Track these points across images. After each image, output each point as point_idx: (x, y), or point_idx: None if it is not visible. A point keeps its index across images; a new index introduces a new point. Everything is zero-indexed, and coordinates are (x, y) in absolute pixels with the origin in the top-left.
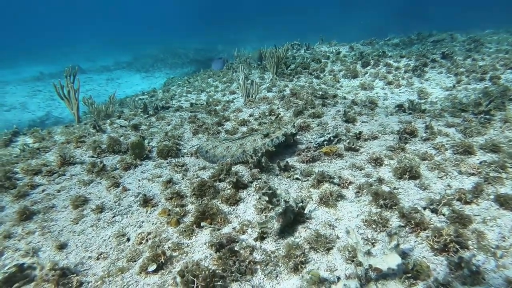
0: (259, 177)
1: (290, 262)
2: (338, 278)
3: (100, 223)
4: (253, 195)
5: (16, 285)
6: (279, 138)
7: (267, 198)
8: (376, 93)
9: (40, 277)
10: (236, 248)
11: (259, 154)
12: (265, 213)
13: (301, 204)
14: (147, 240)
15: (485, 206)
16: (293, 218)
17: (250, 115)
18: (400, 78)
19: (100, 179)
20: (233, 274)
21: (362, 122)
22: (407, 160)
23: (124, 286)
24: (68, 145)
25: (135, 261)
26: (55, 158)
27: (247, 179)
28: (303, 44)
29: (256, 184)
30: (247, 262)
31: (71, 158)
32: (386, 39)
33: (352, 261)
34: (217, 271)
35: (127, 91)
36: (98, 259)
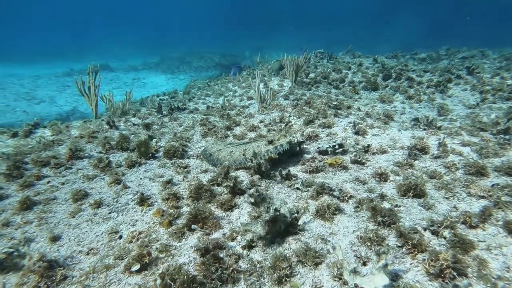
0: (259, 184)
1: (275, 274)
2: None
3: (95, 218)
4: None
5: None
6: (283, 146)
7: (252, 200)
8: (394, 106)
9: (27, 267)
10: (220, 255)
11: (261, 159)
12: (258, 220)
13: (295, 215)
14: (137, 239)
15: (492, 232)
16: (285, 228)
17: (261, 121)
18: (421, 93)
19: (104, 175)
20: (213, 282)
21: (373, 135)
22: (413, 177)
23: (106, 283)
24: (80, 140)
25: (122, 259)
26: (65, 151)
27: (245, 185)
28: (326, 54)
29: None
30: (230, 270)
31: (80, 152)
32: (412, 53)
33: (340, 278)
34: (198, 277)
35: (151, 91)
36: (88, 254)
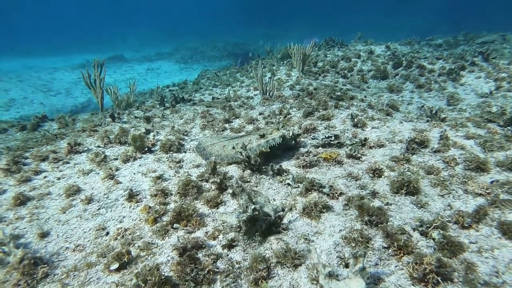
0: (249, 179)
1: (251, 276)
2: None
3: (85, 214)
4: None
5: None
6: (275, 140)
7: (230, 191)
8: (402, 96)
9: (11, 265)
10: (197, 255)
11: (252, 154)
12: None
13: (280, 213)
14: (122, 236)
15: (486, 233)
16: (267, 227)
17: (260, 114)
18: (432, 82)
19: (99, 170)
20: (187, 283)
21: (373, 127)
22: (409, 173)
23: (85, 282)
24: (82, 133)
25: (104, 257)
26: (64, 146)
27: (234, 181)
28: (338, 42)
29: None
30: (206, 271)
31: (78, 147)
32: (428, 38)
33: (318, 281)
34: (172, 278)
35: (165, 81)
36: (74, 250)
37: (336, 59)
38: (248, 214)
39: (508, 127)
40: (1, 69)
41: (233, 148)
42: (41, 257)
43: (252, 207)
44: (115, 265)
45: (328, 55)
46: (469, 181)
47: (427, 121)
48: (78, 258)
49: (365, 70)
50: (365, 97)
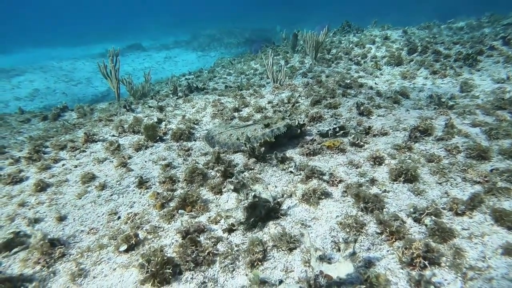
0: (252, 167)
1: (248, 258)
2: (280, 281)
3: (99, 200)
4: None
5: (15, 249)
6: (280, 129)
7: (232, 187)
8: (413, 83)
9: (33, 245)
10: (199, 238)
11: (256, 143)
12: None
13: (279, 199)
14: (132, 221)
15: (479, 220)
16: (266, 213)
17: (269, 102)
18: (447, 68)
19: (113, 158)
20: (188, 263)
21: (378, 116)
22: (409, 161)
23: (97, 261)
24: (99, 123)
25: (115, 239)
26: (81, 135)
27: (239, 169)
28: (354, 27)
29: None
30: (206, 253)
31: (94, 136)
32: (449, 21)
33: (310, 264)
34: (175, 259)
35: (183, 69)
36: (88, 233)
37: (350, 45)
38: (249, 201)
39: None
40: (26, 60)
41: (238, 139)
42: (58, 239)
43: (252, 194)
44: (123, 247)
45: (342, 41)
46: (468, 169)
47: (435, 108)
48: (92, 240)
49: (379, 57)
50: (376, 84)
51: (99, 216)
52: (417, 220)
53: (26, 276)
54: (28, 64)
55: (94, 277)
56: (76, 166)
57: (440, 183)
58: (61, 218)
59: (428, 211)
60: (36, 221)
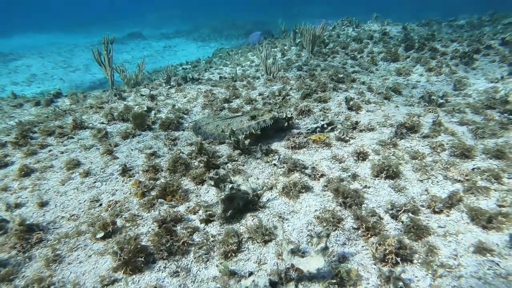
0: (236, 159)
1: (222, 249)
2: (250, 273)
3: (82, 187)
4: None
5: None
6: (266, 122)
7: (212, 183)
8: (407, 80)
9: (11, 230)
10: (176, 228)
11: (241, 135)
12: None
13: (259, 191)
14: (112, 208)
15: (456, 218)
16: (244, 205)
17: (260, 94)
18: (443, 65)
19: (100, 145)
20: (161, 253)
21: (367, 111)
22: (393, 158)
23: (73, 247)
24: (90, 110)
25: (94, 226)
26: (70, 121)
27: (222, 160)
28: (353, 22)
29: (229, 166)
30: (180, 243)
31: (83, 123)
32: (450, 19)
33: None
34: (149, 247)
35: (182, 59)
36: (69, 220)
37: (348, 40)
38: (226, 193)
39: (505, 114)
40: (26, 45)
41: (222, 131)
42: (37, 224)
43: (230, 186)
44: (100, 234)
45: (341, 36)
46: (451, 167)
47: (424, 106)
48: (71, 227)
49: (375, 52)
50: (370, 79)
51: (80, 203)
52: (394, 217)
53: (1, 260)
54: (26, 49)
55: (69, 263)
56: (62, 153)
57: (421, 181)
58: (43, 204)
59: (406, 208)
60: (18, 206)
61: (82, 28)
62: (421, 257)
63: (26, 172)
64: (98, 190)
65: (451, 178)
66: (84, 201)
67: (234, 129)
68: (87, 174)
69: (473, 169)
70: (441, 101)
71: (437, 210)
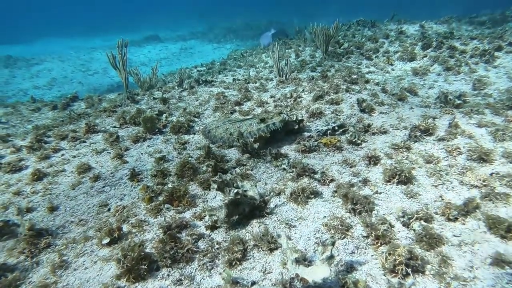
0: (245, 163)
1: (227, 257)
2: (253, 283)
3: (91, 191)
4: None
5: (5, 237)
6: (275, 125)
7: (216, 186)
8: (424, 80)
9: (21, 235)
10: (181, 234)
11: (251, 139)
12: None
13: (266, 197)
14: (120, 213)
15: (471, 226)
16: (250, 211)
17: (271, 96)
18: (462, 64)
19: (111, 149)
20: (165, 260)
21: (380, 113)
22: (406, 162)
23: (80, 253)
24: (103, 113)
25: (100, 231)
26: (83, 125)
27: (231, 164)
28: (368, 21)
29: (237, 170)
30: (185, 250)
31: (96, 127)
32: (472, 16)
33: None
34: (153, 254)
35: (198, 60)
36: (77, 224)
37: (363, 39)
38: (230, 198)
39: None
40: (46, 49)
41: (231, 134)
42: (47, 229)
43: (235, 191)
44: (106, 240)
45: (356, 35)
46: (467, 172)
47: (441, 107)
48: (79, 232)
49: (391, 51)
50: (385, 80)
51: (89, 208)
52: (405, 225)
53: (9, 265)
54: (47, 54)
55: (74, 269)
56: (74, 157)
57: (435, 186)
58: (53, 208)
59: (418, 215)
60: (29, 210)
61: (100, 32)
62: (434, 268)
63: (38, 176)
64: (107, 194)
65: (468, 183)
66: (93, 205)
67: (243, 132)
68: (97, 178)
69: (491, 174)
70: (458, 101)
71: (451, 218)
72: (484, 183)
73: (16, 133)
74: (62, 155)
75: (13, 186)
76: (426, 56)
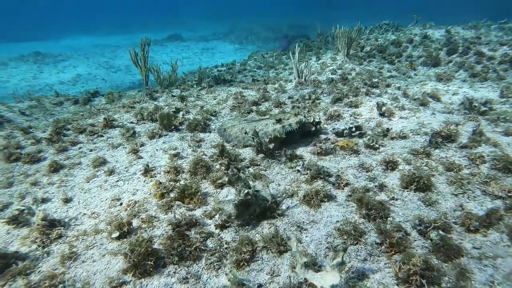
0: (259, 163)
1: (235, 257)
2: (260, 285)
3: (105, 185)
4: None
5: (20, 226)
6: (291, 126)
7: (226, 179)
8: (448, 85)
9: (35, 224)
10: (190, 232)
11: (266, 139)
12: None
13: (278, 198)
14: (131, 208)
15: (494, 239)
16: (261, 212)
17: (289, 97)
18: (490, 70)
19: (127, 144)
20: (172, 257)
21: (400, 117)
22: (425, 168)
23: (89, 245)
24: (121, 109)
25: (111, 225)
26: (101, 120)
27: (245, 164)
28: (392, 25)
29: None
30: (193, 248)
31: (114, 122)
32: (502, 21)
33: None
34: (161, 251)
35: (219, 61)
36: (90, 217)
37: (385, 43)
38: (240, 198)
39: None
40: (73, 46)
41: (245, 133)
42: (59, 220)
43: (245, 191)
44: (115, 234)
45: (379, 39)
46: (491, 182)
47: (465, 113)
48: (91, 224)
49: (415, 56)
50: (407, 85)
51: (102, 201)
52: (422, 233)
53: (21, 254)
54: (73, 50)
55: (83, 261)
56: (91, 150)
57: (455, 195)
58: (67, 200)
59: (436, 224)
60: (44, 201)
61: (125, 30)
62: (451, 281)
63: (55, 168)
64: (120, 189)
65: (491, 193)
66: (106, 199)
67: (258, 131)
68: (111, 172)
69: None
70: (484, 108)
71: (472, 228)
72: (509, 194)
73: (37, 126)
74: (79, 148)
75: (30, 177)
76: (451, 62)
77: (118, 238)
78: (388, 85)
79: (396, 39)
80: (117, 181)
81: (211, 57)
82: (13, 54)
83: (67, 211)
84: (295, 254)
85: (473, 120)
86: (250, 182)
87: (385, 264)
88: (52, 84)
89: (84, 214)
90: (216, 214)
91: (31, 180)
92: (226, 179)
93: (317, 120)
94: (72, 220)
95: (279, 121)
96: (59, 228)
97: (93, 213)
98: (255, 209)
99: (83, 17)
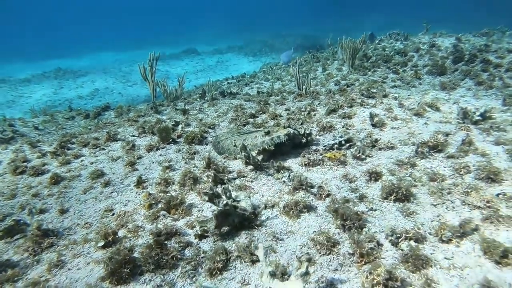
0: (245, 174)
1: (208, 266)
2: None
3: (100, 196)
4: None
5: (17, 236)
6: (280, 138)
7: (207, 198)
8: (450, 94)
9: (29, 234)
10: (166, 241)
11: (255, 151)
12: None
13: (258, 209)
14: (121, 218)
15: (466, 249)
16: (240, 222)
17: (286, 109)
18: (496, 78)
19: (126, 157)
20: (148, 265)
21: (392, 128)
22: (409, 179)
23: (76, 254)
24: (126, 123)
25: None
26: (104, 134)
27: (232, 176)
28: (402, 35)
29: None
30: (169, 257)
31: (116, 135)
32: None
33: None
34: (139, 259)
35: (233, 73)
36: (83, 227)
37: (391, 53)
38: (219, 208)
39: None
40: (92, 62)
41: (234, 145)
42: (53, 230)
43: (224, 202)
44: (101, 243)
45: (387, 49)
46: (471, 192)
47: (458, 123)
48: (83, 234)
49: (420, 65)
50: (409, 95)
51: (96, 212)
52: (394, 244)
53: (12, 262)
54: (92, 66)
55: (69, 269)
56: (92, 163)
57: (434, 205)
58: (63, 211)
59: (407, 235)
60: (42, 211)
61: (141, 45)
62: None
63: (56, 180)
64: (113, 200)
65: (470, 203)
66: (99, 210)
67: (246, 144)
68: (107, 184)
69: (498, 194)
70: (477, 118)
71: (444, 239)
72: (487, 204)
73: (44, 140)
74: (82, 161)
75: (33, 189)
76: (457, 70)
77: (103, 247)
78: (385, 96)
79: (403, 48)
80: (112, 192)
81: (225, 69)
82: (37, 71)
83: (62, 221)
84: (262, 263)
85: (464, 130)
86: (233, 193)
87: (355, 274)
88: (71, 99)
89: (78, 224)
90: (196, 225)
91: (33, 192)
92: (207, 198)
93: (308, 132)
94: (66, 230)
95: (267, 133)
96: (52, 237)
97: (86, 223)
98: (234, 219)
99: (104, 35)
